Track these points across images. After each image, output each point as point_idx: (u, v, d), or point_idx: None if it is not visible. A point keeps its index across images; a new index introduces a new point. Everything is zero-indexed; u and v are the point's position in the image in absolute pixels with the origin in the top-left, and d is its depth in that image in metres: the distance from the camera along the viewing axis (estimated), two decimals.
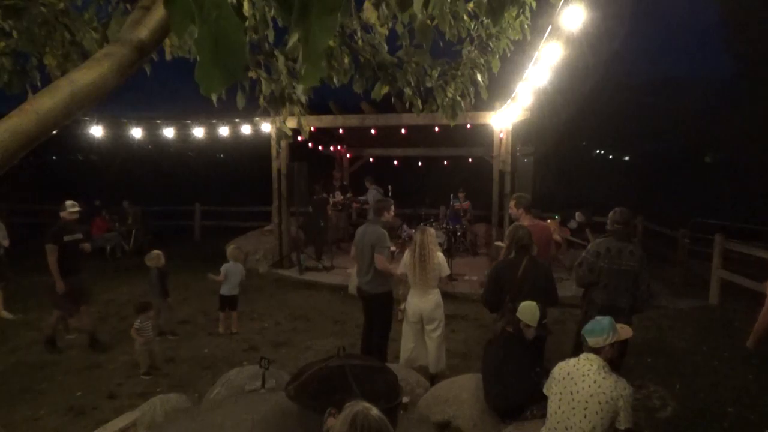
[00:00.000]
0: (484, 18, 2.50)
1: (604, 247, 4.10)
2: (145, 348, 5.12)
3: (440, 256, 4.67)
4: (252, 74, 2.84)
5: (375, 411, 1.79)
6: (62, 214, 5.64)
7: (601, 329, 2.78)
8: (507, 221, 8.46)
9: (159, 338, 6.03)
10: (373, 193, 10.65)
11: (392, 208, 5.07)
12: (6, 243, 7.06)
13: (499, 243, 5.43)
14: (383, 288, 4.84)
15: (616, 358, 2.87)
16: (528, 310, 3.53)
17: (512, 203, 5.30)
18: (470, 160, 13.70)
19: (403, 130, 9.88)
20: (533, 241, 4.20)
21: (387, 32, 2.72)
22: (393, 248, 9.08)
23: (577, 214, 8.63)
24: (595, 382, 2.67)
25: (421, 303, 4.64)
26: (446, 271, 4.68)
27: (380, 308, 4.91)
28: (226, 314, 6.32)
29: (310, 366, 3.61)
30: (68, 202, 5.68)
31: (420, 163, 14.99)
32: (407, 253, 4.73)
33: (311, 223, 9.81)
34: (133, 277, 8.96)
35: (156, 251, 6.21)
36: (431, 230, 4.73)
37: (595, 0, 3.27)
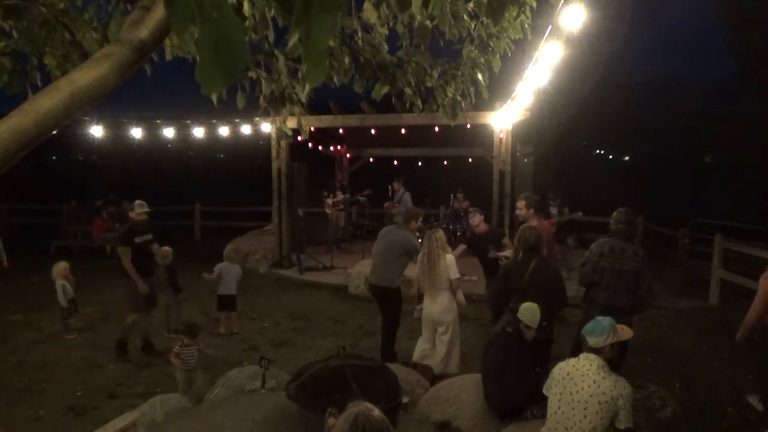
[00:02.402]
0: (484, 18, 2.50)
1: (607, 246, 4.10)
2: (185, 377, 4.49)
3: (450, 258, 4.67)
4: (252, 74, 2.83)
5: (377, 412, 1.79)
6: (131, 215, 5.54)
7: (601, 329, 2.78)
8: (507, 221, 8.46)
9: (168, 335, 6.05)
10: (406, 196, 10.51)
11: (420, 218, 5.30)
12: None
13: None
14: (387, 283, 4.93)
15: (617, 359, 2.87)
16: (528, 311, 3.52)
17: (523, 204, 5.30)
18: (470, 160, 13.70)
19: (403, 130, 9.88)
20: (542, 243, 4.21)
21: (387, 32, 2.72)
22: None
23: (549, 198, 8.76)
24: (594, 381, 2.67)
25: (430, 306, 4.70)
26: (454, 275, 4.66)
27: (385, 303, 5.01)
28: (227, 314, 6.32)
29: (310, 366, 3.62)
30: (137, 203, 5.57)
31: (420, 163, 14.99)
32: (419, 257, 4.82)
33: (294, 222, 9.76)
34: None
35: (166, 248, 6.14)
36: (440, 234, 4.74)
37: (595, 0, 3.27)
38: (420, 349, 4.87)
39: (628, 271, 4.02)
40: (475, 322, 6.54)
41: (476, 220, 5.62)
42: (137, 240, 5.40)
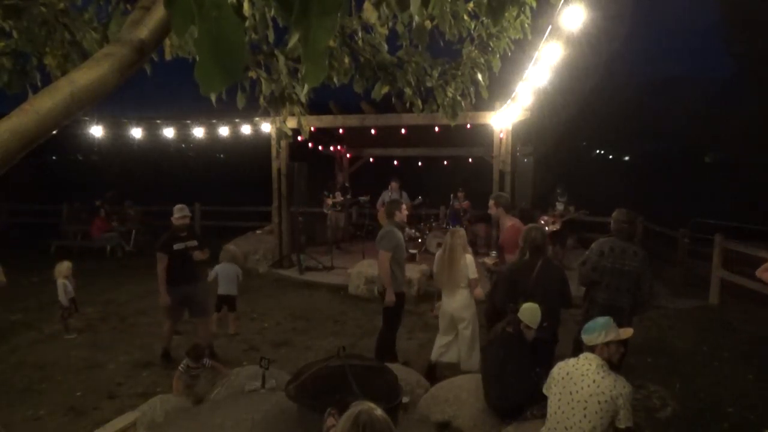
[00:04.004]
0: (484, 18, 2.50)
1: (607, 246, 4.10)
2: (186, 384, 4.43)
3: (469, 258, 4.72)
4: (252, 74, 2.83)
5: (379, 411, 1.79)
6: (172, 219, 5.25)
7: (594, 327, 2.81)
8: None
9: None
10: (405, 196, 10.52)
11: (402, 207, 5.09)
12: None
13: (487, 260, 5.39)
14: (397, 288, 4.87)
15: (618, 359, 2.88)
16: (528, 311, 3.52)
17: (492, 203, 5.33)
18: (470, 160, 13.69)
19: (403, 130, 9.87)
20: (547, 243, 4.23)
21: (387, 32, 2.72)
22: (413, 251, 9.09)
23: (557, 193, 8.77)
24: (594, 381, 2.68)
25: (449, 303, 4.75)
26: (473, 274, 4.70)
27: (389, 307, 4.96)
28: (222, 314, 6.31)
29: (310, 366, 3.62)
30: (176, 207, 5.25)
31: (420, 163, 14.98)
32: (438, 254, 4.86)
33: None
34: (134, 277, 8.96)
35: None
36: (462, 233, 4.82)
37: (595, 0, 3.27)
38: (437, 346, 4.89)
39: (628, 272, 4.01)
40: None
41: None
42: (176, 247, 5.11)
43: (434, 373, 4.79)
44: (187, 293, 5.21)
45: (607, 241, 4.14)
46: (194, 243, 5.28)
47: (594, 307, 4.02)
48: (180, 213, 5.21)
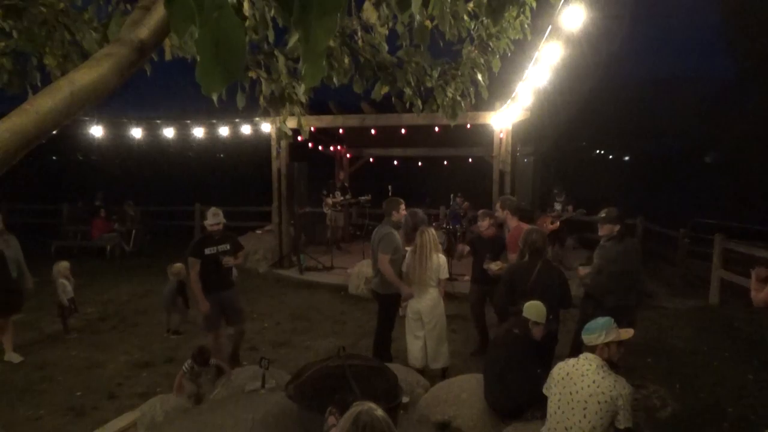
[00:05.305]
0: (484, 18, 2.50)
1: (614, 251, 4.13)
2: (191, 388, 4.24)
3: (441, 258, 4.69)
4: (252, 74, 2.83)
5: (380, 411, 1.79)
6: (205, 224, 4.90)
7: (595, 327, 2.81)
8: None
9: (168, 335, 6.11)
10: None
11: (401, 206, 4.99)
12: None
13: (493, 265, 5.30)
14: (391, 289, 4.84)
15: (618, 360, 2.88)
16: (534, 308, 3.53)
17: (498, 205, 5.35)
18: (470, 160, 13.71)
19: (403, 130, 9.88)
20: (547, 244, 4.23)
21: (387, 32, 2.72)
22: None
23: (555, 193, 8.76)
24: (594, 381, 2.68)
25: (419, 301, 4.69)
26: (445, 275, 4.68)
27: (384, 308, 4.96)
28: None
29: (310, 366, 3.62)
30: (209, 212, 4.85)
31: (420, 163, 14.99)
32: (409, 252, 4.79)
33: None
34: (134, 277, 8.97)
35: (179, 264, 6.09)
36: (431, 231, 4.75)
37: (595, 0, 3.27)
38: (412, 351, 4.78)
39: (630, 271, 4.06)
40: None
41: (485, 223, 5.49)
42: (208, 251, 4.76)
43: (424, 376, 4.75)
44: (224, 299, 4.91)
45: (611, 247, 4.17)
46: (226, 247, 4.92)
47: (600, 311, 4.00)
48: (213, 220, 4.80)
